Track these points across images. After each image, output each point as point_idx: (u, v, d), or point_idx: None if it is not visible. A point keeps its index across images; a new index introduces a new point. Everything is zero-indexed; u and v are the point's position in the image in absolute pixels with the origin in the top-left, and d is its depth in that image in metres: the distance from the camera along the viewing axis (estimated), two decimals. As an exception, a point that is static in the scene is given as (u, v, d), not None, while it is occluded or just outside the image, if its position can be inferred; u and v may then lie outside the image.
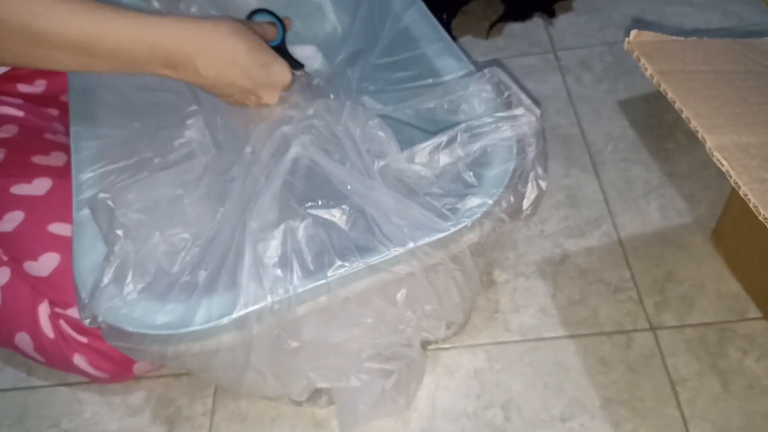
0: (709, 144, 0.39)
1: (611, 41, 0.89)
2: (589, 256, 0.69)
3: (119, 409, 0.63)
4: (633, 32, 0.47)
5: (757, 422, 0.56)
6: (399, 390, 0.55)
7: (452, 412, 0.59)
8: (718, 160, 0.39)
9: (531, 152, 0.47)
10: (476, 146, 0.47)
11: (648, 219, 0.71)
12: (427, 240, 0.43)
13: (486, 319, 0.65)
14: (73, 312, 0.56)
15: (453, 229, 0.44)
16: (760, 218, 0.36)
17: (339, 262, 0.42)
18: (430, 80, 0.55)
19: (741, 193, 0.37)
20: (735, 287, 0.64)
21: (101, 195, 0.47)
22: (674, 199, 0.72)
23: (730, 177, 0.38)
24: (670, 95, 0.42)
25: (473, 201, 0.45)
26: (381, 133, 0.48)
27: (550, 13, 0.93)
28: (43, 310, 0.57)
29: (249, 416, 0.61)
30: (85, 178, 0.51)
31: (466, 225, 0.44)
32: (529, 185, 0.47)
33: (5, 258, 0.58)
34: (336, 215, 0.44)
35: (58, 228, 0.57)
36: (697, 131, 0.40)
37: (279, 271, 0.42)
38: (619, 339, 0.62)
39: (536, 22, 0.94)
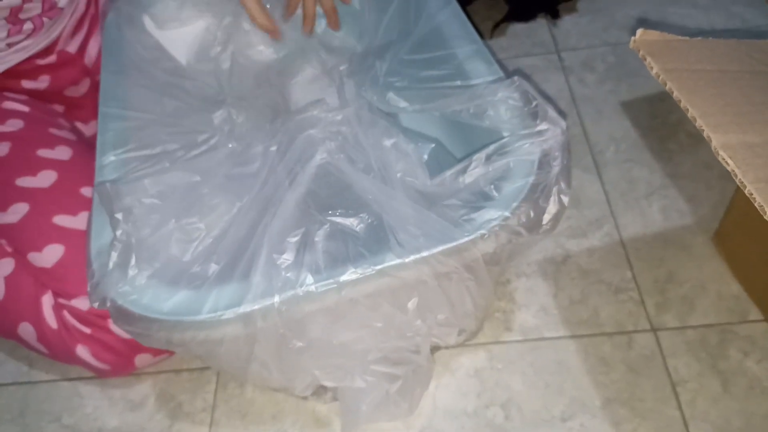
0: (714, 143, 0.39)
1: (614, 42, 0.89)
2: (590, 256, 0.69)
3: (120, 404, 0.63)
4: (639, 31, 0.47)
5: (758, 423, 0.56)
6: (403, 395, 0.55)
7: (453, 410, 0.59)
8: (723, 159, 0.39)
9: (556, 166, 0.46)
10: (500, 163, 0.47)
11: (650, 220, 0.71)
12: (440, 248, 0.43)
13: (487, 319, 0.65)
14: (76, 303, 0.56)
15: (467, 239, 0.44)
16: (766, 218, 0.36)
17: (351, 269, 0.42)
18: (458, 82, 0.55)
19: (746, 192, 0.37)
20: (736, 289, 0.64)
21: (108, 182, 0.47)
22: (676, 200, 0.72)
23: (736, 176, 0.38)
24: (675, 94, 0.42)
25: (490, 212, 0.45)
26: (411, 155, 0.48)
27: (553, 14, 0.93)
28: (47, 300, 0.57)
29: (249, 412, 0.61)
30: (108, 161, 0.52)
31: (482, 235, 0.44)
32: (551, 200, 0.46)
33: (9, 249, 0.58)
34: (354, 223, 0.45)
35: (62, 220, 0.58)
36: (703, 130, 0.40)
37: (291, 274, 0.42)
38: (620, 339, 0.62)
39: (540, 23, 0.94)
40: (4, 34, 0.64)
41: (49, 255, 0.57)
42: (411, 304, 0.46)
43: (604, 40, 0.90)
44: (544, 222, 0.47)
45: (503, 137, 0.49)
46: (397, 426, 0.59)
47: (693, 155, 0.75)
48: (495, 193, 0.46)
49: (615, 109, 0.82)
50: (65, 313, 0.57)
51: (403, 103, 0.54)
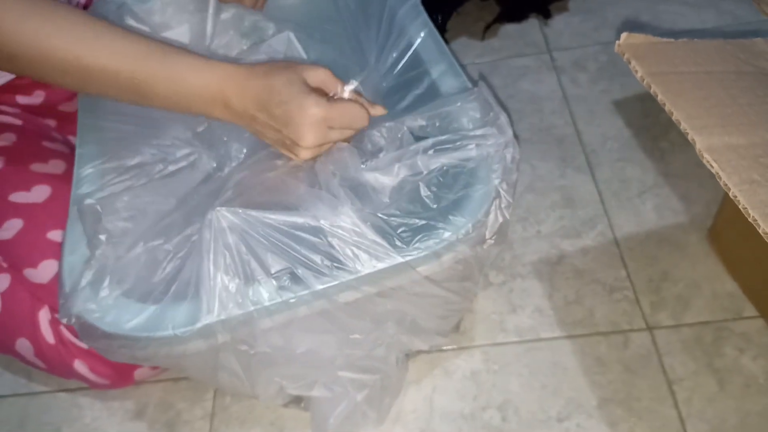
0: (698, 146, 0.39)
1: (606, 41, 0.89)
2: (585, 256, 0.69)
3: (119, 414, 0.63)
4: (623, 35, 0.47)
5: (753, 421, 0.56)
6: (371, 404, 0.55)
7: (449, 413, 0.60)
8: (707, 161, 0.39)
9: (495, 178, 0.44)
10: (438, 163, 0.45)
11: (643, 219, 0.71)
12: (377, 268, 0.42)
13: (482, 321, 0.65)
14: (72, 318, 0.56)
15: (405, 259, 0.42)
16: (750, 220, 0.36)
17: (294, 288, 0.42)
18: (421, 90, 0.55)
19: (731, 194, 0.37)
20: (731, 286, 0.64)
21: (88, 201, 0.47)
22: (669, 198, 0.72)
23: (720, 178, 0.38)
24: (660, 97, 0.42)
25: (429, 228, 0.42)
26: (344, 153, 0.47)
27: (545, 14, 0.93)
28: (44, 315, 0.57)
29: (248, 419, 0.61)
30: (86, 173, 0.52)
31: (420, 255, 0.42)
32: (491, 215, 0.44)
33: (5, 265, 0.59)
34: (296, 231, 0.43)
35: (57, 235, 0.58)
36: (687, 133, 0.40)
37: (235, 285, 0.42)
38: (615, 339, 0.62)
39: (531, 23, 0.94)
40: None
41: (45, 270, 0.57)
42: (362, 316, 0.46)
43: (596, 40, 0.90)
44: (488, 236, 0.44)
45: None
46: (393, 428, 0.59)
47: (685, 153, 0.76)
48: (433, 203, 0.44)
49: (607, 108, 0.82)
50: (62, 328, 0.57)
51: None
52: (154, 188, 0.51)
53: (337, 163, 0.46)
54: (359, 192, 0.45)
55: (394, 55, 0.58)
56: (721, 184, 0.38)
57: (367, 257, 0.41)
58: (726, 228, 0.64)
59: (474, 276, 0.49)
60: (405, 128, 0.49)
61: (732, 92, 0.44)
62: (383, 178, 0.45)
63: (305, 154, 0.48)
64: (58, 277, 0.53)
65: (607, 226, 0.71)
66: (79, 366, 0.58)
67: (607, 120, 0.80)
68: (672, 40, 0.48)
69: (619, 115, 0.81)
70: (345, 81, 0.49)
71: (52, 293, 0.57)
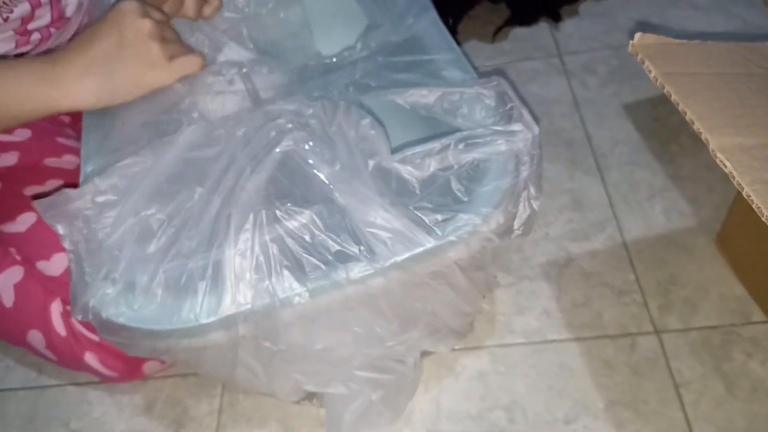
0: (711, 145, 0.39)
1: (616, 45, 0.90)
2: (593, 259, 0.69)
3: (127, 409, 0.64)
4: (637, 35, 0.47)
5: (761, 425, 0.56)
6: (387, 403, 0.55)
7: (456, 413, 0.60)
8: (720, 160, 0.39)
9: (525, 171, 0.45)
10: (469, 157, 0.45)
11: (652, 222, 0.71)
12: (409, 254, 0.42)
13: (490, 322, 0.65)
14: (83, 311, 0.57)
15: (436, 244, 0.42)
16: (764, 219, 0.36)
17: (319, 272, 0.42)
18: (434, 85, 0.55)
19: (744, 194, 0.37)
20: (739, 290, 0.64)
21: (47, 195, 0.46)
22: (678, 202, 0.72)
23: (733, 178, 0.38)
24: (673, 97, 0.43)
25: (461, 218, 0.43)
26: (372, 132, 0.46)
27: (555, 18, 0.94)
28: (55, 308, 0.58)
29: (255, 416, 0.61)
30: (90, 170, 0.51)
31: (451, 241, 0.43)
32: (521, 205, 0.45)
33: (18, 258, 0.59)
34: (319, 219, 0.43)
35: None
36: (700, 132, 0.40)
37: (258, 275, 0.41)
38: (623, 342, 0.62)
39: (542, 27, 0.94)
40: (12, 45, 0.65)
41: (57, 263, 0.58)
42: (387, 311, 0.46)
43: (606, 43, 0.90)
44: (516, 227, 0.46)
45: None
46: (399, 428, 0.59)
47: (695, 157, 0.76)
48: (465, 196, 0.45)
49: (617, 111, 0.82)
50: (73, 320, 0.58)
51: (374, 95, 0.53)
52: (134, 155, 0.49)
53: (366, 150, 0.46)
54: (390, 183, 0.46)
55: (398, 39, 0.58)
56: (735, 183, 0.38)
57: (399, 245, 0.42)
58: (735, 232, 0.64)
59: (488, 267, 0.50)
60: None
61: (743, 94, 0.45)
62: (415, 171, 0.45)
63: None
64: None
65: (616, 229, 0.71)
66: (90, 358, 0.58)
67: (617, 123, 0.80)
68: (684, 41, 0.48)
69: (628, 119, 0.81)
70: None
71: (64, 286, 0.57)
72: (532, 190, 0.45)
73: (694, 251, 0.68)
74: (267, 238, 0.42)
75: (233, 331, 0.42)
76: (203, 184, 0.46)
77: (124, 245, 0.44)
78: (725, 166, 0.39)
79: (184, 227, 0.44)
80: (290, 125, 0.48)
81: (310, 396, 0.58)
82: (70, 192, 0.46)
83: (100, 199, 0.46)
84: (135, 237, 0.44)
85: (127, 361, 0.60)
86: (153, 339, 0.43)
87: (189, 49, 0.55)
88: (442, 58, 0.56)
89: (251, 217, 0.42)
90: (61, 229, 0.45)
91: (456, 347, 0.64)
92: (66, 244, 0.45)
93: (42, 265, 0.58)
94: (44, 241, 0.59)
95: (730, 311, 0.63)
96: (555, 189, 0.75)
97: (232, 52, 0.61)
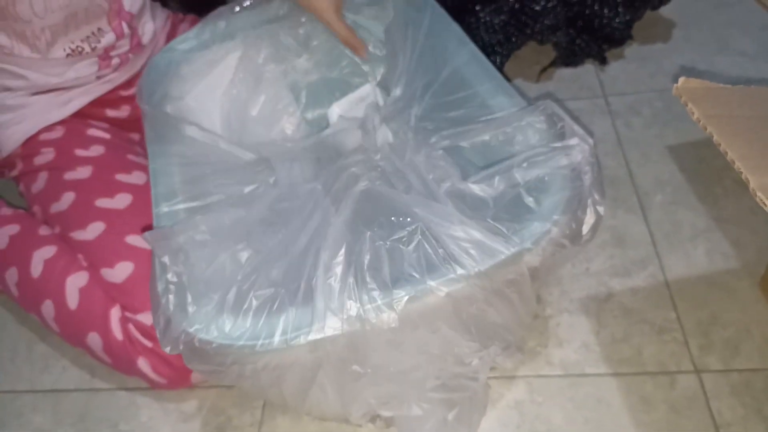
0: (752, 184, 0.41)
1: (661, 88, 0.91)
2: (634, 295, 0.69)
3: (173, 415, 0.66)
4: (681, 79, 0.49)
5: (805, 472, 0.55)
6: (461, 421, 0.56)
7: (492, 440, 0.60)
8: (761, 199, 0.40)
9: (587, 179, 0.49)
10: (533, 174, 0.49)
11: (694, 262, 0.71)
12: (491, 262, 0.45)
13: (528, 352, 0.66)
14: (141, 317, 0.61)
15: (515, 251, 0.45)
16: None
17: (407, 287, 0.44)
18: (485, 116, 0.58)
19: (784, 232, 0.38)
20: (783, 334, 0.64)
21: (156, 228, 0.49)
22: (721, 243, 0.72)
23: (773, 216, 0.39)
24: (715, 138, 0.44)
25: (535, 225, 0.47)
26: (442, 162, 0.51)
27: (601, 60, 0.96)
28: (115, 313, 0.61)
29: (294, 429, 0.63)
30: (162, 212, 0.55)
31: (528, 248, 0.46)
32: (588, 211, 0.49)
33: (85, 264, 0.64)
34: (404, 238, 0.46)
35: (134, 240, 0.63)
36: (741, 172, 0.41)
37: (349, 296, 0.44)
38: (662, 379, 0.62)
39: (587, 68, 0.97)
40: (95, 68, 0.71)
41: (121, 271, 0.62)
42: (467, 324, 0.48)
43: (651, 86, 0.92)
44: (584, 232, 0.49)
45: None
46: (436, 452, 0.60)
47: (738, 200, 0.76)
48: (534, 206, 0.48)
49: (661, 152, 0.83)
50: (130, 326, 0.61)
51: (434, 140, 0.57)
52: (229, 205, 0.54)
53: (438, 176, 0.50)
54: (465, 201, 0.49)
55: (443, 75, 0.62)
56: (774, 221, 0.39)
57: (482, 254, 0.45)
58: (779, 276, 0.64)
59: (541, 278, 0.52)
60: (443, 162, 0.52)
61: (786, 137, 0.46)
62: (487, 189, 0.49)
63: None
64: (138, 287, 0.59)
65: (658, 268, 0.71)
66: (142, 363, 0.62)
67: (661, 164, 0.81)
68: (728, 86, 0.50)
69: (672, 160, 0.82)
70: None
71: (125, 293, 0.61)
72: (596, 195, 0.49)
73: (736, 293, 0.68)
74: (354, 261, 0.45)
75: (321, 354, 0.44)
76: (289, 226, 0.50)
77: (217, 279, 0.47)
78: (765, 204, 0.40)
79: (271, 259, 0.48)
80: (362, 171, 0.53)
81: (373, 418, 0.59)
82: (175, 228, 0.51)
83: (199, 237, 0.50)
84: (227, 270, 0.48)
85: (176, 368, 0.63)
86: (245, 359, 0.44)
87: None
88: (486, 88, 0.60)
89: (341, 246, 0.45)
90: (167, 260, 0.48)
91: (494, 375, 0.64)
92: (169, 275, 0.48)
93: (105, 272, 0.62)
94: (110, 250, 0.63)
95: (773, 355, 0.62)
96: (596, 225, 0.76)
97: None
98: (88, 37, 0.68)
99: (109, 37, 0.69)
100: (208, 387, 0.68)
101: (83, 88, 0.72)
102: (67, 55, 0.68)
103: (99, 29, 0.68)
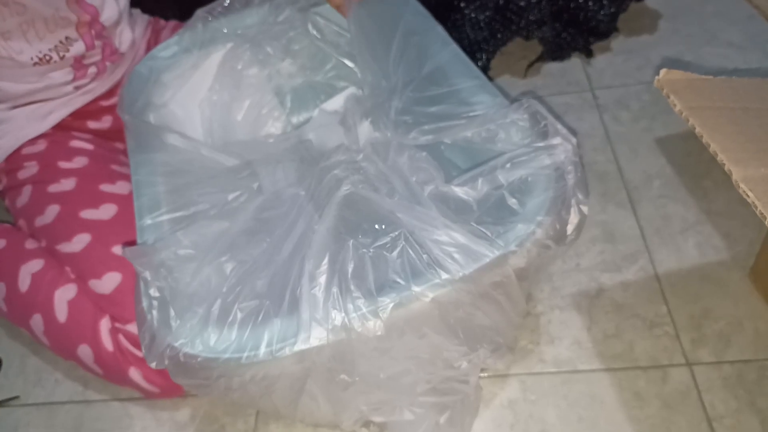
0: (735, 176, 0.40)
1: (649, 81, 0.91)
2: (625, 290, 0.69)
3: (167, 425, 0.66)
4: (662, 71, 0.49)
5: (799, 462, 0.55)
6: (454, 424, 0.56)
7: (486, 440, 0.60)
8: (744, 191, 0.40)
9: (571, 179, 0.49)
10: (517, 175, 0.49)
11: (685, 255, 0.71)
12: (475, 266, 0.45)
13: (520, 350, 0.66)
14: (131, 327, 0.60)
15: (500, 254, 0.45)
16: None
17: (392, 294, 0.44)
18: (467, 113, 0.57)
19: (767, 223, 0.38)
20: (775, 325, 0.64)
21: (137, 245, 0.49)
22: (711, 236, 0.72)
23: (756, 208, 0.39)
24: (697, 130, 0.44)
25: (518, 227, 0.46)
26: (425, 165, 0.50)
27: (588, 54, 0.96)
28: (104, 324, 0.61)
29: (288, 436, 0.63)
30: (146, 224, 0.54)
31: (513, 250, 0.46)
32: (572, 211, 0.49)
33: (73, 276, 0.63)
34: (387, 245, 0.46)
35: (120, 250, 0.62)
36: (724, 164, 0.41)
37: (335, 302, 0.43)
38: (654, 374, 0.62)
39: (574, 62, 0.96)
40: (71, 77, 0.71)
41: (108, 282, 0.62)
42: (454, 328, 0.47)
43: (639, 79, 0.92)
44: (569, 232, 0.48)
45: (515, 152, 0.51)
46: (430, 454, 0.60)
47: (728, 192, 0.76)
48: (518, 208, 0.48)
49: (649, 146, 0.83)
50: (120, 336, 0.61)
51: (415, 135, 0.57)
52: (211, 218, 0.54)
53: (421, 179, 0.50)
54: (448, 205, 0.49)
55: (425, 73, 0.61)
56: (758, 213, 0.39)
57: (467, 258, 0.44)
58: (770, 266, 0.64)
59: (531, 277, 0.52)
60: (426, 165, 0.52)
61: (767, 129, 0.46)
62: (470, 191, 0.49)
63: None
64: (127, 297, 0.58)
65: (648, 262, 0.71)
66: (134, 373, 0.61)
67: (650, 157, 0.81)
68: (710, 77, 0.49)
69: (661, 153, 0.82)
70: None
71: (114, 303, 0.61)
72: (580, 195, 0.49)
73: (727, 285, 0.67)
74: (338, 268, 0.44)
75: (308, 364, 0.44)
76: (273, 234, 0.50)
77: (202, 292, 0.47)
78: (748, 196, 0.39)
79: (255, 269, 0.48)
80: (345, 174, 0.53)
81: (366, 423, 0.59)
82: (157, 244, 0.50)
83: (182, 252, 0.50)
84: (211, 282, 0.48)
85: (168, 378, 0.62)
86: (231, 372, 0.44)
87: None
88: (468, 86, 0.60)
89: (325, 255, 0.45)
90: (149, 276, 0.48)
91: (484, 374, 0.64)
92: (152, 291, 0.47)
93: (93, 284, 0.62)
94: (97, 261, 0.62)
95: (765, 346, 0.62)
96: (586, 221, 0.75)
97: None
98: (56, 45, 0.67)
99: (78, 46, 0.69)
100: (201, 396, 0.67)
101: (63, 99, 0.72)
102: (35, 63, 0.67)
103: (67, 38, 0.68)
